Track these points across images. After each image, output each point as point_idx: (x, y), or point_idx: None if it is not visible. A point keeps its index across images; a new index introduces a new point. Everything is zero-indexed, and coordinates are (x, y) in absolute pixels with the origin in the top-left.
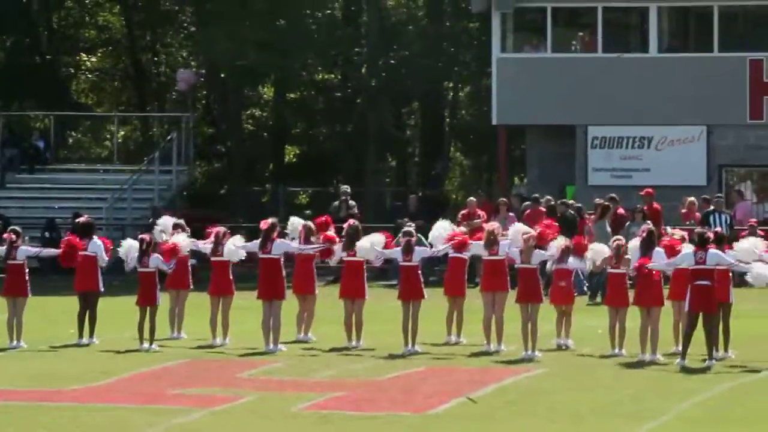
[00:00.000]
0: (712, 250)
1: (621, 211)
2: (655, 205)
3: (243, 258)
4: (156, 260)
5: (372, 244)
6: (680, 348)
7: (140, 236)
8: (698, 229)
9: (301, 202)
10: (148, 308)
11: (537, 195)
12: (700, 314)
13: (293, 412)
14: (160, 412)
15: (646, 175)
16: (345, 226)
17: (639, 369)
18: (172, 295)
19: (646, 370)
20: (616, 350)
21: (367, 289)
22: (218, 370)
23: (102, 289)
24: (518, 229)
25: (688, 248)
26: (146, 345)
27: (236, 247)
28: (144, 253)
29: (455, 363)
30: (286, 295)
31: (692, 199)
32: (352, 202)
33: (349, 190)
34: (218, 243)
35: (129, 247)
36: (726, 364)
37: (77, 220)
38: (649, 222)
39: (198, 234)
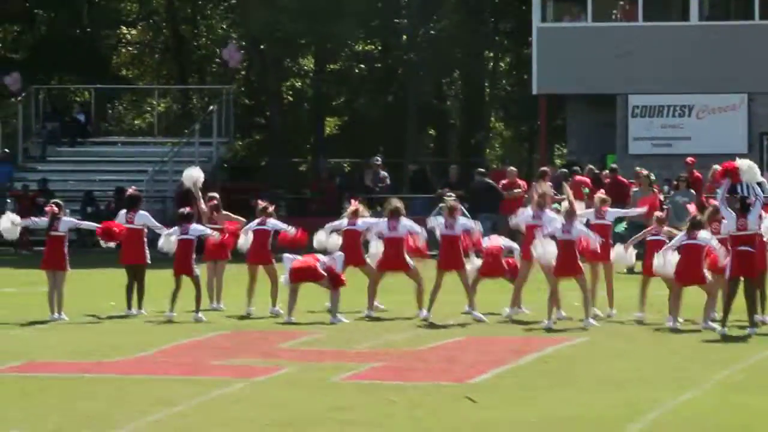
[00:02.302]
0: (753, 215)
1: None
2: (697, 173)
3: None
4: (196, 230)
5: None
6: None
7: (180, 210)
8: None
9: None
10: (191, 278)
11: (591, 167)
12: (741, 280)
13: (333, 383)
14: (201, 383)
15: (687, 143)
16: (387, 204)
17: (680, 336)
18: (210, 267)
19: (687, 338)
20: (672, 321)
21: (412, 263)
22: (259, 340)
23: (149, 262)
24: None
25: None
26: (197, 315)
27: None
28: (186, 220)
29: (496, 333)
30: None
31: (718, 167)
32: (383, 173)
33: (379, 161)
34: (264, 214)
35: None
36: (765, 330)
37: (127, 193)
38: (692, 191)
39: (240, 205)
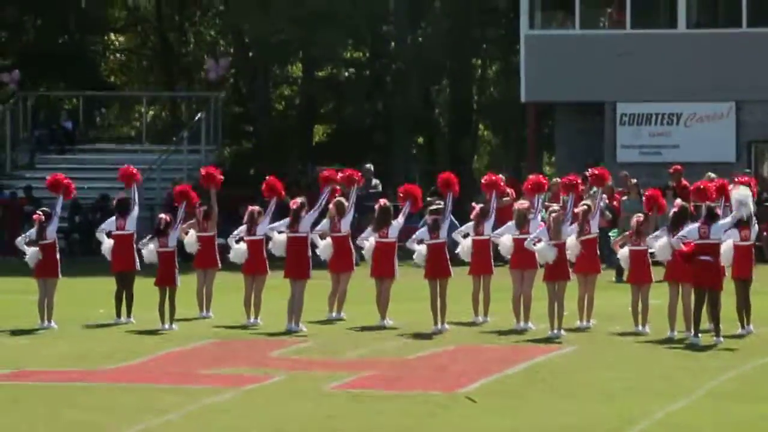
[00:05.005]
0: (717, 224)
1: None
2: (684, 181)
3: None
4: (174, 239)
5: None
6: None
7: (159, 216)
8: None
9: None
10: (168, 288)
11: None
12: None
13: (324, 392)
14: (191, 392)
15: (675, 151)
16: (376, 206)
17: (669, 346)
18: (200, 275)
19: (676, 348)
20: (640, 327)
21: (397, 269)
22: (248, 349)
23: (138, 268)
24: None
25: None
26: (167, 325)
27: (269, 228)
28: (162, 233)
29: (485, 341)
30: (313, 275)
31: (712, 174)
32: (375, 180)
33: (372, 168)
34: (253, 222)
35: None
36: (754, 340)
37: (116, 198)
38: (678, 200)
39: (229, 213)
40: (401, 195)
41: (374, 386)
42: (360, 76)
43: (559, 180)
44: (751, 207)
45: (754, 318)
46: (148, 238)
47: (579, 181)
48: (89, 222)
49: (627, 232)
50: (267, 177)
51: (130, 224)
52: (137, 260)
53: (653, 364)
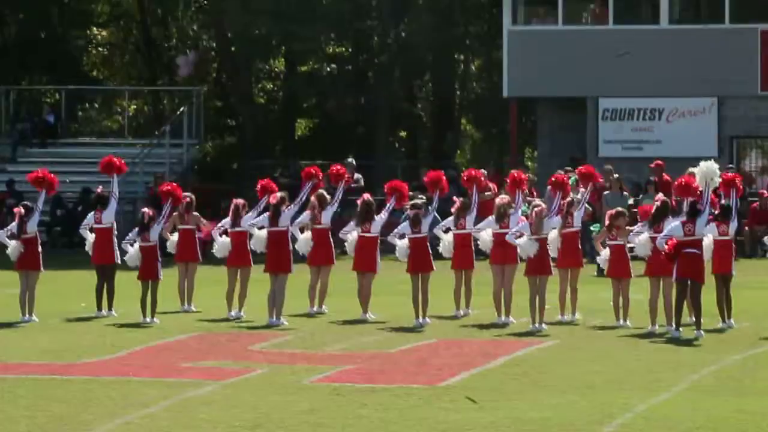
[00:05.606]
0: (701, 218)
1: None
2: (666, 176)
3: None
4: (156, 232)
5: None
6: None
7: (142, 210)
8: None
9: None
10: (150, 282)
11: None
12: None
13: (305, 385)
14: (172, 385)
15: (657, 146)
16: (359, 201)
17: (650, 340)
18: (181, 268)
19: (657, 342)
20: (621, 321)
21: (379, 262)
22: (230, 343)
23: (119, 261)
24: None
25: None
26: (148, 318)
27: (250, 224)
28: (145, 227)
29: (466, 335)
30: (295, 269)
31: (693, 169)
32: (357, 175)
33: (354, 163)
34: (237, 215)
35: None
36: (735, 334)
37: (96, 192)
38: (660, 194)
39: (210, 207)
40: (388, 191)
41: (356, 380)
42: (342, 70)
43: (534, 177)
44: (717, 178)
45: (734, 312)
46: (133, 234)
47: (568, 180)
48: (71, 215)
49: (605, 228)
50: (262, 180)
51: (109, 217)
52: (117, 253)
53: (634, 358)
